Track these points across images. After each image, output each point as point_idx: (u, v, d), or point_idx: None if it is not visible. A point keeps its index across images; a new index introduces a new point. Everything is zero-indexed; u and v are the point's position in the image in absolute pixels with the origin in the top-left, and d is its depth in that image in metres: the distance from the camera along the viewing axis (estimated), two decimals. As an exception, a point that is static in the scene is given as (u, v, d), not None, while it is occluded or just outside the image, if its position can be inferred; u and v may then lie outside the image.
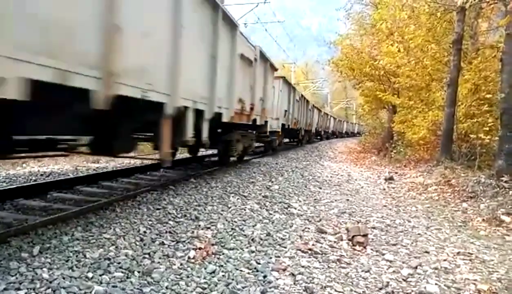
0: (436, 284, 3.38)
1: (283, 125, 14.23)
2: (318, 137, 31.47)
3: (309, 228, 4.85)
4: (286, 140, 19.10)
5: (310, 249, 4.00)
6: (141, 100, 3.83)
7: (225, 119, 6.70)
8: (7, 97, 2.30)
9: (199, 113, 5.49)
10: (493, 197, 6.94)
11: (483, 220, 6.00)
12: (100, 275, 2.73)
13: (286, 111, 14.69)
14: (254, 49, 8.61)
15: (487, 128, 10.23)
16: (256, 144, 12.10)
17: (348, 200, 7.07)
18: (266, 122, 10.36)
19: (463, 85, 11.37)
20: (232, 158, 9.59)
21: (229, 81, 6.83)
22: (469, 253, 4.39)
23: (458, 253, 4.36)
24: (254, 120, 8.95)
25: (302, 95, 19.69)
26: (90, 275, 2.70)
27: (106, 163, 8.95)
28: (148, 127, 5.02)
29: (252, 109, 8.62)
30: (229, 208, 5.18)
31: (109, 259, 2.98)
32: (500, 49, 9.51)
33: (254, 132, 10.57)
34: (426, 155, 13.05)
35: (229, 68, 6.79)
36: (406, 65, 13.85)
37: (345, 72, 20.18)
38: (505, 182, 7.30)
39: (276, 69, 11.48)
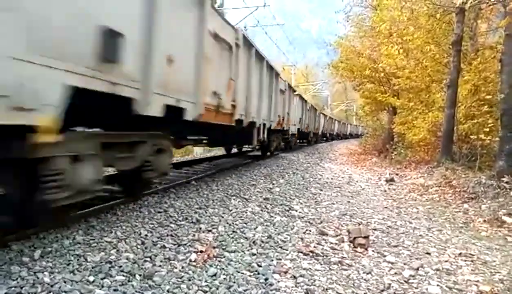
0: (438, 285, 3.38)
1: (298, 129, 18.66)
2: (324, 138, 35.59)
3: (310, 230, 4.85)
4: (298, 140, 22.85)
5: (311, 251, 3.99)
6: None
7: (271, 127, 11.15)
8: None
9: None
10: (494, 198, 6.94)
11: (485, 221, 6.00)
12: (102, 279, 2.72)
13: (300, 118, 19.24)
14: (284, 82, 13.66)
15: (488, 129, 10.24)
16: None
17: (349, 202, 7.06)
18: (288, 128, 15.08)
19: (463, 86, 11.38)
20: (268, 152, 13.34)
21: (274, 105, 11.31)
22: (470, 254, 4.38)
23: (460, 254, 4.35)
24: (283, 127, 13.65)
25: (312, 105, 24.42)
26: (91, 278, 2.70)
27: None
28: (249, 134, 9.11)
29: (283, 119, 13.31)
30: (230, 210, 5.18)
31: (110, 262, 2.98)
32: (500, 50, 9.53)
33: (281, 135, 14.72)
34: (426, 156, 13.05)
35: (274, 97, 11.12)
36: (405, 67, 13.87)
37: (345, 75, 20.22)
38: (506, 182, 7.30)
39: (295, 90, 17.37)
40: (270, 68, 10.29)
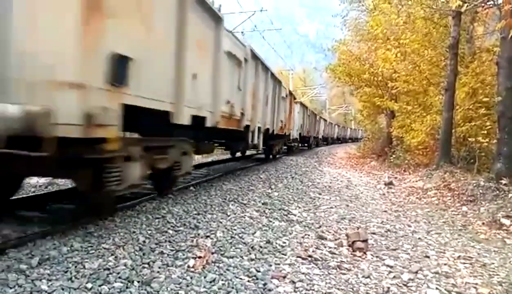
0: (437, 288, 3.38)
1: (299, 134, 19.79)
2: (325, 142, 36.66)
3: (309, 235, 4.84)
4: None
5: (310, 256, 3.99)
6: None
7: (274, 132, 11.94)
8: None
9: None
10: (492, 200, 6.95)
11: (483, 223, 6.00)
12: (100, 286, 2.71)
13: (301, 124, 20.23)
14: (286, 89, 14.41)
15: (485, 132, 10.27)
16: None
17: (347, 206, 7.06)
18: (290, 133, 16.08)
19: (461, 89, 11.43)
20: (271, 155, 14.34)
21: (277, 111, 12.31)
22: (469, 257, 4.38)
23: (459, 257, 4.35)
24: (285, 133, 14.54)
25: (312, 111, 25.85)
26: (89, 285, 2.69)
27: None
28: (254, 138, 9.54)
29: (285, 125, 14.20)
30: (229, 216, 5.17)
31: (108, 269, 2.97)
32: (496, 53, 9.58)
33: (283, 139, 15.65)
34: (425, 159, 13.07)
35: (277, 105, 12.16)
36: (403, 70, 13.93)
37: (342, 78, 20.29)
38: (505, 185, 7.31)
39: (295, 98, 18.91)
40: (274, 77, 11.46)
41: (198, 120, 5.39)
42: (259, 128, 9.61)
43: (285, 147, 17.09)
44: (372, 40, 16.96)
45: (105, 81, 3.24)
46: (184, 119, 4.85)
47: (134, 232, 3.90)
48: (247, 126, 8.51)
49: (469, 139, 10.78)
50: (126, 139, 4.09)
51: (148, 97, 3.98)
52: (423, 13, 11.96)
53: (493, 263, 4.20)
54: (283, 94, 13.35)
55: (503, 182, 7.39)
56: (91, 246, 3.35)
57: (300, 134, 19.70)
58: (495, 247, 4.87)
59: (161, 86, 4.35)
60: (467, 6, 9.11)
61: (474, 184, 7.80)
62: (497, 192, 7.20)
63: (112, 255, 3.24)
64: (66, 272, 2.83)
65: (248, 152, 15.43)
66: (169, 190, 5.94)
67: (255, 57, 8.82)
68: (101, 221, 4.09)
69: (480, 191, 7.48)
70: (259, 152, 13.58)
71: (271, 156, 14.35)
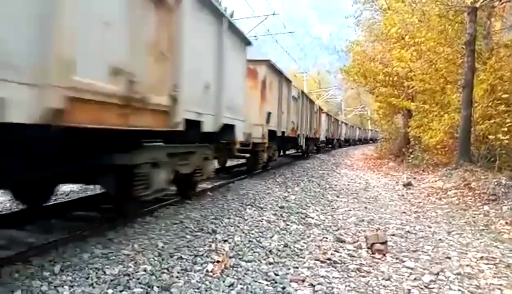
0: (459, 290, 3.31)
1: (326, 137, 25.11)
2: (347, 144, 39.00)
3: (327, 238, 4.81)
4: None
5: (328, 259, 3.96)
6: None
7: (308, 136, 16.45)
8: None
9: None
10: (515, 199, 6.79)
11: (506, 222, 5.87)
12: (120, 291, 2.75)
13: (327, 129, 25.82)
14: (316, 105, 20.09)
15: (506, 129, 10.04)
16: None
17: (366, 208, 6.99)
18: (319, 136, 21.57)
19: (479, 86, 11.22)
20: (306, 154, 18.58)
21: (310, 121, 17.24)
22: (493, 257, 4.28)
23: (481, 257, 4.26)
24: (316, 136, 20.08)
25: (335, 118, 31.43)
26: (110, 291, 2.73)
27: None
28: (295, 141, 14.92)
29: (316, 131, 19.39)
30: (246, 220, 5.18)
31: (128, 275, 3.01)
32: (515, 48, 9.37)
33: (314, 141, 20.54)
34: (444, 158, 12.85)
35: (309, 116, 17.39)
36: (418, 69, 13.74)
37: (357, 80, 20.12)
38: (528, 183, 7.14)
39: (322, 109, 23.93)
40: (310, 100, 18.09)
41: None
42: (303, 134, 15.22)
43: (315, 148, 21.71)
44: (386, 39, 16.80)
45: (265, 122, 8.83)
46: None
47: (153, 237, 3.94)
48: (299, 135, 14.21)
49: (489, 136, 10.56)
50: (152, 146, 4.39)
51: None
52: (437, 10, 11.78)
53: (517, 264, 4.10)
54: (315, 109, 19.38)
55: (526, 180, 7.22)
56: (111, 253, 3.40)
57: (326, 137, 25.03)
58: (519, 247, 4.75)
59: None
60: (483, 1, 8.95)
61: (496, 183, 7.64)
62: (520, 190, 7.03)
63: (132, 261, 3.28)
64: (87, 278, 2.87)
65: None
66: (191, 194, 6.15)
67: (305, 96, 15.90)
68: (121, 227, 4.15)
69: (502, 189, 7.32)
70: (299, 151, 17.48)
71: (306, 155, 18.41)
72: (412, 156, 15.17)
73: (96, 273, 2.97)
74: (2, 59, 2.10)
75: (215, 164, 8.91)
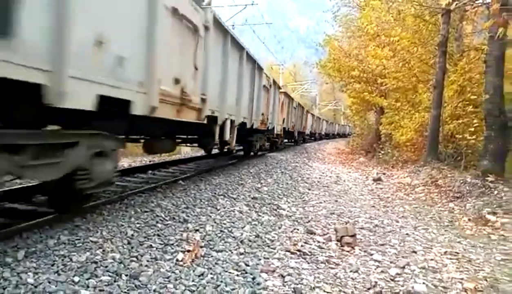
0: (423, 283, 3.42)
1: (284, 128, 17.16)
2: (312, 138, 35.22)
3: (298, 229, 4.86)
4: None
5: (299, 250, 4.01)
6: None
7: (254, 126, 10.08)
8: None
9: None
10: (479, 197, 7.05)
11: (469, 219, 6.09)
12: (87, 279, 2.69)
13: (284, 118, 17.38)
14: (269, 77, 12.36)
15: (473, 129, 10.39)
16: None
17: (336, 201, 7.10)
18: (273, 127, 13.71)
19: (449, 87, 11.54)
20: (252, 153, 12.95)
21: (256, 102, 10.13)
22: (456, 252, 4.44)
23: (445, 252, 4.41)
24: (268, 127, 12.61)
25: (298, 103, 22.95)
26: (76, 279, 2.66)
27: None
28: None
29: (267, 119, 12.23)
30: (218, 210, 5.16)
31: (96, 262, 2.94)
32: (484, 51, 9.68)
33: (265, 134, 13.78)
34: (413, 156, 13.20)
35: (256, 95, 10.04)
36: (392, 67, 14.00)
37: (332, 75, 20.32)
38: (491, 182, 7.42)
39: (280, 87, 15.97)
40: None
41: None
42: (231, 121, 7.70)
43: (268, 144, 15.09)
44: (362, 36, 17.00)
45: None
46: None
47: (122, 225, 3.86)
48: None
49: (457, 136, 10.91)
50: None
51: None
52: (413, 10, 12.02)
53: (478, 259, 4.27)
54: (264, 82, 11.07)
55: (489, 179, 7.50)
56: (79, 239, 3.31)
57: (284, 128, 17.36)
58: (480, 243, 4.94)
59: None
60: (457, 4, 9.17)
61: (461, 181, 7.90)
62: (483, 189, 7.30)
63: (100, 248, 3.21)
64: (52, 265, 2.79)
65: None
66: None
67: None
68: (89, 214, 4.04)
69: (467, 187, 7.58)
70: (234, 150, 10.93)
71: (252, 153, 12.95)
72: (382, 152, 15.51)
73: (62, 260, 2.89)
74: (135, 79, 3.75)
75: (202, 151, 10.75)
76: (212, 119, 6.46)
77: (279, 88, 15.76)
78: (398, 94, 15.59)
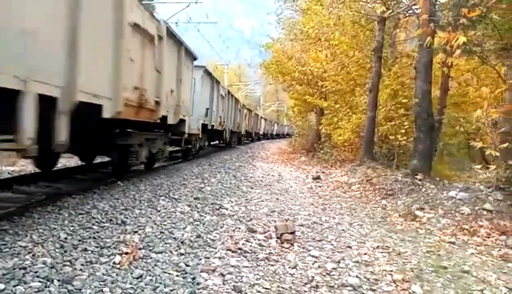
0: (356, 276, 3.59)
1: (205, 126, 13.11)
2: (249, 139, 32.60)
3: (239, 228, 4.90)
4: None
5: (240, 249, 4.04)
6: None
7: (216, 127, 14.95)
8: None
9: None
10: (408, 194, 7.51)
11: (400, 215, 6.47)
12: (14, 286, 2.53)
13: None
14: (225, 89, 16.70)
15: (404, 131, 11.05)
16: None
17: (277, 199, 7.25)
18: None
19: (383, 90, 12.18)
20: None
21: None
22: (387, 246, 4.71)
23: (377, 247, 4.67)
24: (224, 128, 17.52)
25: (228, 91, 19.15)
26: (1, 286, 2.49)
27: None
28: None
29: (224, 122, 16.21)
30: (159, 211, 5.07)
31: (24, 268, 2.77)
32: (415, 58, 10.36)
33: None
34: (350, 155, 13.79)
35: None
36: (332, 70, 14.54)
37: (275, 76, 20.66)
38: (419, 180, 7.94)
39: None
40: (235, 98, 15.94)
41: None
42: (228, 128, 13.05)
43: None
44: (304, 39, 17.47)
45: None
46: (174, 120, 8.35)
47: (54, 228, 3.68)
48: (225, 128, 15.27)
49: (390, 137, 11.54)
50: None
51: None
52: (351, 16, 12.59)
53: (406, 252, 4.56)
54: (239, 106, 18.03)
55: (418, 177, 8.03)
56: (5, 244, 3.11)
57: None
58: (409, 237, 5.28)
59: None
60: (390, 12, 9.74)
61: (393, 179, 8.38)
62: (413, 186, 7.80)
63: (29, 253, 3.03)
64: (-26, 273, 2.60)
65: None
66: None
67: (230, 94, 13.55)
68: (18, 217, 3.80)
69: (398, 185, 8.05)
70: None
71: (229, 146, 16.85)
72: (322, 151, 16.02)
73: (-14, 267, 2.69)
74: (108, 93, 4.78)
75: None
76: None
77: (244, 106, 23.62)
78: (337, 96, 16.22)
